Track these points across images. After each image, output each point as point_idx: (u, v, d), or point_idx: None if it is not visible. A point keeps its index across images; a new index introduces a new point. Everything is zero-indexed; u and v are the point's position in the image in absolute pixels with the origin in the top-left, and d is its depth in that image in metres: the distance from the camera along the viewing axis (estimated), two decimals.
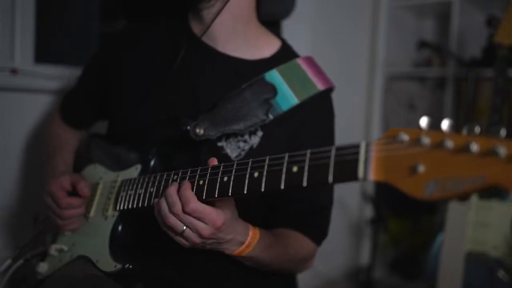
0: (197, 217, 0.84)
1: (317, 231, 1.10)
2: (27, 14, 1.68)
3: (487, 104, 2.08)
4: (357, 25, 2.69)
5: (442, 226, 1.80)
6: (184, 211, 0.84)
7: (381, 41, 2.68)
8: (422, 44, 2.50)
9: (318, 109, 1.10)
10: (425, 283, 2.20)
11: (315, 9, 2.35)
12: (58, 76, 1.70)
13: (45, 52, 1.78)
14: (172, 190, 0.86)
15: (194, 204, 0.83)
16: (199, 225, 0.84)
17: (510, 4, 1.84)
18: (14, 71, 1.62)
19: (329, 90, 1.13)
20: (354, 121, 2.71)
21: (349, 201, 2.65)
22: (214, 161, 0.88)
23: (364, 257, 2.70)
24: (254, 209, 1.05)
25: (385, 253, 2.73)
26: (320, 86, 1.09)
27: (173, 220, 0.85)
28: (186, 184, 0.85)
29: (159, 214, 0.87)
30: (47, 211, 1.10)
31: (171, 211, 0.85)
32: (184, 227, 0.85)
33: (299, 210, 1.07)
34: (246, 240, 0.91)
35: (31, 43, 1.71)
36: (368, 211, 2.68)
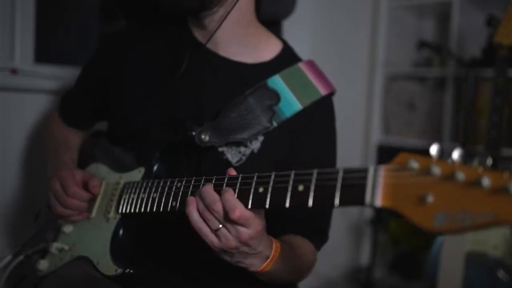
0: (241, 223, 0.80)
1: (320, 236, 1.10)
2: (27, 14, 1.68)
3: (487, 104, 2.08)
4: (357, 25, 2.69)
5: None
6: (228, 218, 0.80)
7: (381, 41, 2.68)
8: (422, 44, 2.50)
9: (320, 114, 1.09)
10: (425, 283, 2.20)
11: (315, 9, 2.35)
12: (58, 76, 1.70)
13: (45, 52, 1.78)
14: (210, 190, 0.82)
15: (240, 211, 0.79)
16: (241, 228, 0.80)
17: (510, 4, 1.83)
18: (14, 71, 1.62)
19: (331, 94, 1.12)
20: (354, 121, 2.71)
21: None
22: (232, 172, 0.86)
23: (364, 257, 2.70)
24: None
25: (385, 253, 2.73)
26: (322, 91, 1.09)
27: (208, 215, 0.82)
28: (230, 190, 0.81)
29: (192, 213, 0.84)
30: (49, 196, 1.07)
31: (209, 209, 0.81)
32: (220, 226, 0.81)
33: (300, 215, 1.06)
34: (271, 254, 0.88)
35: (31, 43, 1.71)
36: (368, 211, 2.68)
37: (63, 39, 1.98)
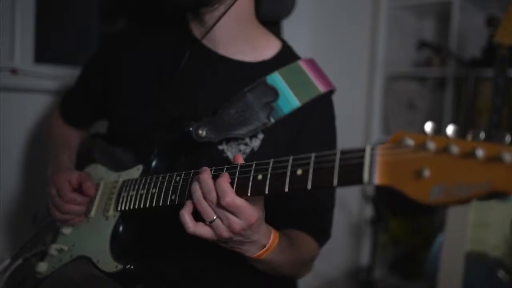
0: (232, 211, 0.80)
1: (322, 232, 1.10)
2: (27, 14, 1.68)
3: (487, 104, 2.08)
4: (357, 25, 2.69)
5: (442, 226, 1.80)
6: (219, 204, 0.80)
7: (381, 41, 2.68)
8: (422, 44, 2.50)
9: (320, 112, 1.09)
10: (425, 283, 2.20)
11: (315, 9, 2.35)
12: (58, 76, 1.70)
13: (45, 52, 1.78)
14: (207, 176, 0.83)
15: (231, 198, 0.79)
16: (232, 218, 0.81)
17: (510, 4, 1.83)
18: (14, 71, 1.62)
19: (330, 93, 1.12)
20: (354, 121, 2.71)
21: (349, 201, 2.65)
22: (239, 158, 0.86)
23: (364, 257, 2.70)
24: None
25: (385, 253, 2.73)
26: (321, 89, 1.09)
27: (205, 207, 0.82)
28: (225, 176, 0.81)
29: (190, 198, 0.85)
30: (47, 200, 1.08)
31: (205, 198, 0.82)
32: (215, 217, 0.82)
33: (303, 211, 1.07)
34: (268, 243, 0.88)
35: (31, 43, 1.71)
36: (368, 211, 2.68)
37: (63, 39, 1.98)
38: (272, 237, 0.89)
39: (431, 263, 1.88)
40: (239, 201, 0.80)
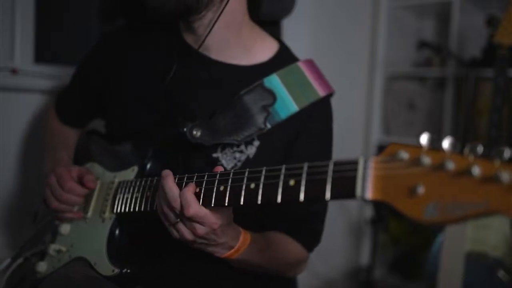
0: (195, 221, 0.83)
1: (309, 237, 1.09)
2: (27, 14, 1.68)
3: (487, 104, 2.08)
4: (357, 25, 2.69)
5: (442, 226, 1.80)
6: (183, 214, 0.82)
7: (381, 41, 2.68)
8: (422, 44, 2.50)
9: (318, 116, 1.07)
10: (425, 283, 2.20)
11: (315, 9, 2.35)
12: (58, 76, 1.70)
13: (45, 52, 1.78)
14: (171, 184, 0.85)
15: (194, 209, 0.82)
16: (195, 225, 0.84)
17: (510, 4, 1.83)
18: (14, 71, 1.62)
19: (329, 96, 1.10)
20: (354, 121, 2.71)
21: (349, 201, 2.65)
22: (219, 169, 0.87)
23: (364, 257, 2.70)
24: (245, 210, 1.05)
25: (385, 253, 2.73)
26: (321, 92, 1.07)
27: (167, 211, 0.85)
28: (190, 187, 0.83)
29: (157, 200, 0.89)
30: (46, 192, 1.07)
31: (169, 206, 0.85)
32: (178, 220, 0.85)
33: (291, 215, 1.06)
34: (236, 245, 0.90)
35: (31, 43, 1.71)
36: (368, 211, 2.68)
37: (63, 39, 1.98)
38: (241, 239, 0.90)
39: (431, 263, 1.88)
40: (203, 212, 0.82)
